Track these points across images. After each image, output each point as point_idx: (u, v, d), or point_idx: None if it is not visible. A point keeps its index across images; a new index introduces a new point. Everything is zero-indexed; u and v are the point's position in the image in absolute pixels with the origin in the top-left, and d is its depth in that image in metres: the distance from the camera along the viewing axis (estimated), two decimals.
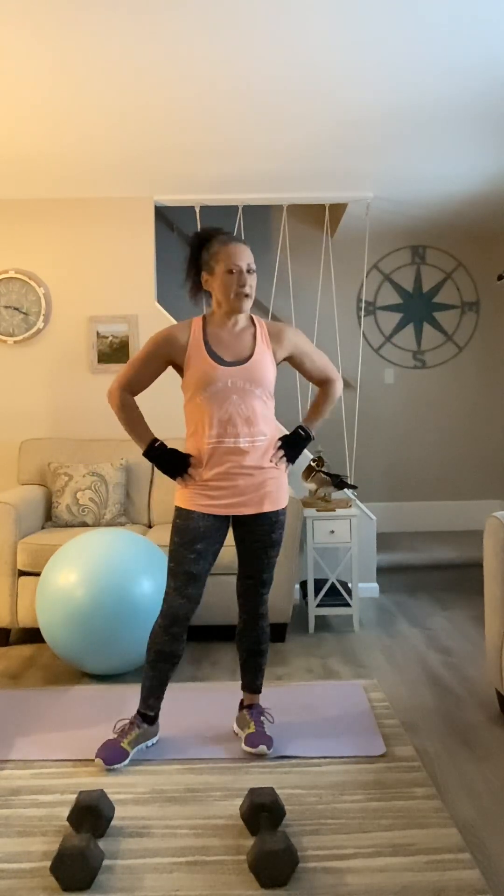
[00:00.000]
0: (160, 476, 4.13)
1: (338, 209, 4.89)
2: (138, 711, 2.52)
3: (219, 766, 2.39)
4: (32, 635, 3.80)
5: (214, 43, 2.65)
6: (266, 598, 2.57)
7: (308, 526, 3.84)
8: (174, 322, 4.32)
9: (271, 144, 3.64)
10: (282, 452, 2.49)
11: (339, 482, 3.96)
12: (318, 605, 3.85)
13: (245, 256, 2.39)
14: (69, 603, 2.98)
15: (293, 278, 5.26)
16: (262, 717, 2.59)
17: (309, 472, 4.02)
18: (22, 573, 3.58)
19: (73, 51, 2.69)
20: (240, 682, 2.96)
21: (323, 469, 4.02)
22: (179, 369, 2.45)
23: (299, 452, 2.54)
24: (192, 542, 2.40)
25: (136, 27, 2.53)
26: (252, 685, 2.63)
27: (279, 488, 2.49)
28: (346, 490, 4.18)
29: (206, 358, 2.38)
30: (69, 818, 1.99)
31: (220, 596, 3.53)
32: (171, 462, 2.44)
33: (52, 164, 3.85)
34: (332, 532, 3.87)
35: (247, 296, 2.40)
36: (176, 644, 2.45)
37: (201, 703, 2.89)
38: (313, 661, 3.39)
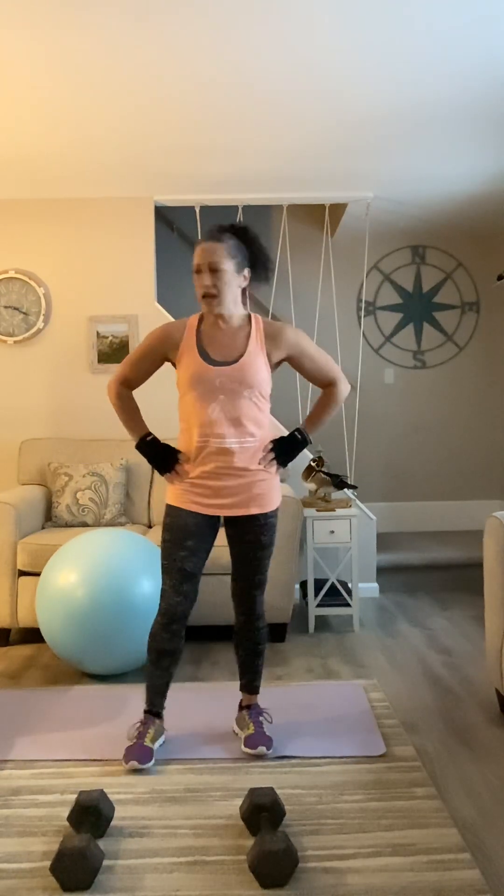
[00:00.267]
0: (160, 476, 4.13)
1: (338, 209, 4.89)
2: (146, 711, 2.51)
3: (219, 766, 2.39)
4: (32, 635, 3.80)
5: (214, 43, 2.65)
6: (261, 599, 2.55)
7: (308, 526, 3.84)
8: None
9: (271, 144, 3.64)
10: (272, 456, 2.45)
11: (338, 482, 3.96)
12: (318, 605, 3.85)
13: (204, 255, 2.33)
14: (69, 603, 2.98)
15: (293, 278, 5.26)
16: (261, 718, 2.58)
17: (309, 472, 4.02)
18: (22, 573, 3.58)
19: (74, 51, 2.69)
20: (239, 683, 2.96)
21: (323, 469, 4.02)
22: (175, 366, 2.47)
23: (293, 456, 2.49)
24: (181, 539, 2.41)
25: (137, 27, 2.53)
26: (250, 686, 2.63)
27: (269, 491, 2.46)
28: (345, 490, 4.17)
29: (195, 356, 2.39)
30: (69, 818, 1.99)
31: (219, 596, 3.53)
32: (161, 456, 2.46)
33: (52, 164, 3.85)
34: (332, 532, 3.87)
35: (209, 296, 2.36)
36: (176, 641, 2.45)
37: (201, 703, 2.89)
38: (313, 661, 3.39)
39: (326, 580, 4.05)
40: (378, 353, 5.63)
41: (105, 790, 2.24)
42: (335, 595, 3.94)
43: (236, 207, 4.76)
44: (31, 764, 2.43)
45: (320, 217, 5.47)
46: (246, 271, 2.41)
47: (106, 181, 4.14)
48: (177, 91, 3.02)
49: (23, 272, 4.36)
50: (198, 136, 3.51)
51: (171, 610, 2.42)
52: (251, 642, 2.57)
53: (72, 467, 4.00)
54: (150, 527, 4.09)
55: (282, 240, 5.13)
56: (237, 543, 2.49)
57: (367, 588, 4.40)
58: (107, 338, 4.41)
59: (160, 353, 2.46)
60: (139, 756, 2.36)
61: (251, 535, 2.46)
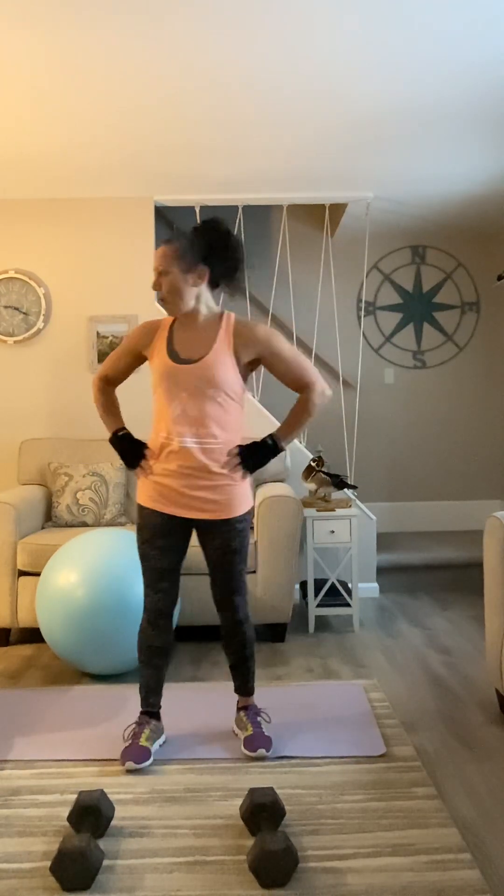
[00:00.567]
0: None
1: (338, 209, 4.89)
2: (141, 712, 2.52)
3: (219, 766, 2.39)
4: (32, 635, 3.80)
5: (215, 42, 2.65)
6: (240, 603, 2.50)
7: (308, 526, 3.84)
8: None
9: (271, 144, 3.64)
10: (237, 461, 2.40)
11: (338, 482, 3.96)
12: (318, 605, 3.85)
13: (154, 259, 2.37)
14: (69, 603, 2.98)
15: (293, 278, 5.26)
16: (259, 718, 2.57)
17: (309, 471, 4.02)
18: (22, 573, 3.58)
19: (73, 51, 2.69)
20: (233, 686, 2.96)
21: (323, 469, 4.02)
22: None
23: (263, 463, 2.42)
24: (152, 538, 2.42)
25: (137, 27, 2.53)
26: (244, 688, 2.61)
27: (234, 497, 2.41)
28: (345, 490, 4.17)
29: (162, 353, 2.40)
30: (69, 818, 1.99)
31: None
32: (129, 450, 2.47)
33: (52, 164, 3.85)
34: (332, 532, 3.87)
35: (161, 299, 2.38)
36: (164, 637, 2.47)
37: (201, 703, 2.89)
38: (313, 661, 3.38)
39: (326, 580, 4.05)
40: (378, 353, 5.63)
41: (105, 790, 2.24)
42: (335, 595, 3.94)
43: (236, 207, 4.76)
44: (31, 764, 2.43)
45: (320, 217, 5.47)
46: (199, 269, 2.36)
47: (106, 181, 4.14)
48: (177, 91, 3.02)
49: (23, 272, 4.36)
50: (198, 136, 3.51)
51: (152, 607, 2.46)
52: (238, 647, 2.54)
53: (72, 467, 4.00)
54: None
55: (282, 240, 5.13)
56: (207, 548, 2.48)
57: (367, 588, 4.40)
58: (107, 338, 4.41)
59: (137, 350, 2.50)
60: (135, 756, 2.36)
61: (219, 540, 2.44)
